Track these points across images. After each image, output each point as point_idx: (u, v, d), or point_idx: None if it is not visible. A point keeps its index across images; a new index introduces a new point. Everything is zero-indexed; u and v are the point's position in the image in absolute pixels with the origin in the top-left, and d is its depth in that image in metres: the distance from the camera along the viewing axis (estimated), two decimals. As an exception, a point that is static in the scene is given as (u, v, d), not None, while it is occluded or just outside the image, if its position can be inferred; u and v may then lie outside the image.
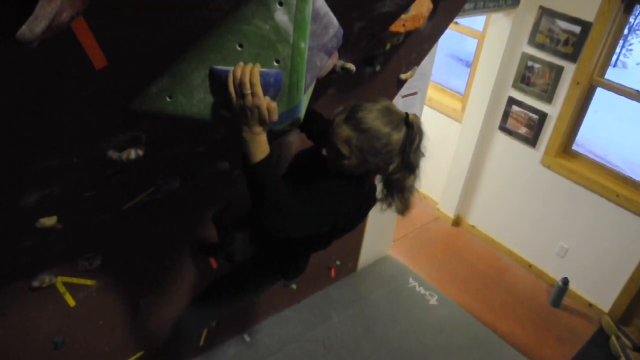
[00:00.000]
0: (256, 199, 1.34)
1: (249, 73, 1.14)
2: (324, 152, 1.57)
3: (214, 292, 2.05)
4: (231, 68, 1.18)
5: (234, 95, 1.16)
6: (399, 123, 1.50)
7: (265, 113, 1.18)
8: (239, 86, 1.15)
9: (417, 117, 1.54)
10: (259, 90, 1.15)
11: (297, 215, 1.39)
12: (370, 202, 1.69)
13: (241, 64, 1.16)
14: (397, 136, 1.50)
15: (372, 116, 1.47)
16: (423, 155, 1.58)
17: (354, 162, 1.51)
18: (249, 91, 1.14)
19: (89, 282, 2.09)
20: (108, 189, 1.73)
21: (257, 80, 1.14)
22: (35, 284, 1.95)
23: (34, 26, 0.82)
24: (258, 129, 1.22)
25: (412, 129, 1.51)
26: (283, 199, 1.34)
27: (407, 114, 1.53)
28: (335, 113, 1.53)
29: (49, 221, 1.66)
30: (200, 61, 1.19)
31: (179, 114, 1.26)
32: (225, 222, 2.22)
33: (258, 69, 1.15)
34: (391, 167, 1.54)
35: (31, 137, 1.23)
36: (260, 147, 1.26)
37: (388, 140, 1.49)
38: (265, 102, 1.17)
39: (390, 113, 1.50)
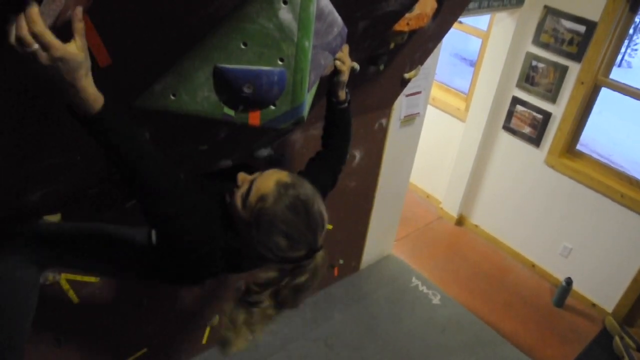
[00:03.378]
0: (115, 159, 1.10)
1: (25, 22, 0.82)
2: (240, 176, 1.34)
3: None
4: (235, 66, 1.18)
5: (28, 54, 0.85)
6: (303, 245, 1.26)
7: (74, 55, 0.88)
8: (21, 46, 0.83)
9: (322, 257, 1.30)
10: (47, 37, 0.84)
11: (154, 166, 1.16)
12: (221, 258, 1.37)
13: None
14: (288, 250, 1.25)
15: (302, 224, 1.24)
16: (298, 301, 1.32)
17: (242, 213, 1.27)
18: (36, 46, 0.84)
19: (92, 279, 2.09)
20: (111, 187, 1.73)
21: (40, 28, 0.82)
22: (40, 281, 1.96)
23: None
24: (76, 77, 0.92)
25: (307, 263, 1.28)
26: (147, 147, 1.12)
27: (320, 247, 1.29)
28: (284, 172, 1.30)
29: (53, 218, 1.67)
30: (205, 60, 1.19)
31: (183, 112, 1.26)
32: None
33: (34, 10, 0.82)
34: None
35: (35, 134, 1.23)
36: (89, 94, 0.96)
37: (282, 244, 1.24)
38: (60, 45, 0.86)
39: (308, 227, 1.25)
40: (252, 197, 1.24)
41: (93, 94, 0.97)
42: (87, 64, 0.92)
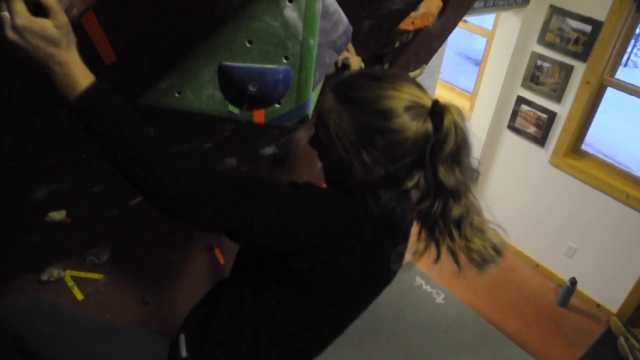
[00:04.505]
0: (118, 154, 0.91)
1: None
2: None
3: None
4: (240, 64, 1.18)
5: None
6: (419, 110, 0.98)
7: (44, 27, 0.78)
8: None
9: (454, 110, 0.97)
10: (16, 4, 0.75)
11: (209, 181, 0.95)
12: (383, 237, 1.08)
13: None
14: (411, 125, 0.97)
15: (375, 84, 1.00)
16: (472, 170, 1.02)
17: (332, 156, 1.06)
18: (4, 13, 0.76)
19: (96, 276, 2.10)
20: (116, 185, 1.74)
21: None
22: (44, 277, 1.97)
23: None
24: (54, 52, 0.80)
25: (440, 124, 0.96)
26: (155, 145, 0.92)
27: (436, 100, 0.99)
28: None
29: (58, 215, 1.67)
30: (210, 57, 1.19)
31: (188, 110, 1.27)
32: None
33: None
34: (409, 184, 1.01)
35: (41, 132, 1.24)
36: (76, 71, 0.84)
37: (393, 123, 0.96)
38: (26, 14, 0.76)
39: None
40: (320, 131, 1.08)
41: (80, 72, 0.84)
42: (67, 39, 0.81)
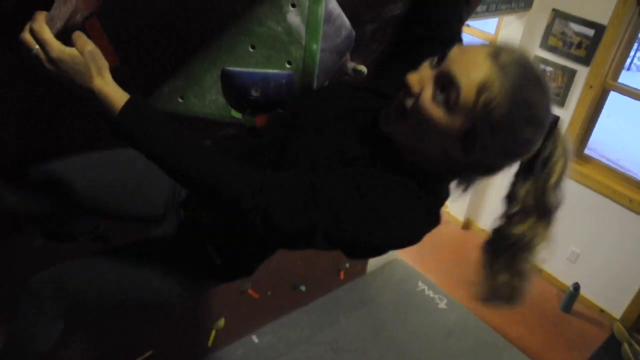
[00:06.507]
0: (171, 163, 0.90)
1: (28, 26, 0.81)
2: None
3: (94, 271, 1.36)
4: (243, 69, 1.18)
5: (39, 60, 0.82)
6: (545, 128, 0.92)
7: (73, 56, 0.82)
8: (26, 50, 0.81)
9: (565, 135, 0.98)
10: (44, 34, 0.80)
11: (279, 184, 0.91)
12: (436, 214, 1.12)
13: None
14: (539, 139, 0.92)
15: (544, 91, 0.88)
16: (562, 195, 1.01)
17: (450, 123, 0.88)
18: (36, 47, 0.80)
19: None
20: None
21: (38, 25, 0.80)
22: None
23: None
24: (87, 79, 0.85)
25: (554, 140, 0.95)
26: (204, 147, 0.91)
27: (557, 117, 0.93)
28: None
29: (61, 220, 1.67)
30: (213, 62, 1.19)
31: (191, 114, 1.27)
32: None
33: (41, 15, 0.82)
34: (519, 193, 1.03)
35: (44, 135, 1.24)
36: (111, 95, 0.87)
37: (529, 131, 0.89)
38: (57, 45, 0.81)
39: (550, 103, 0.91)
40: (466, 93, 0.85)
41: (117, 95, 0.87)
42: (96, 65, 0.85)
